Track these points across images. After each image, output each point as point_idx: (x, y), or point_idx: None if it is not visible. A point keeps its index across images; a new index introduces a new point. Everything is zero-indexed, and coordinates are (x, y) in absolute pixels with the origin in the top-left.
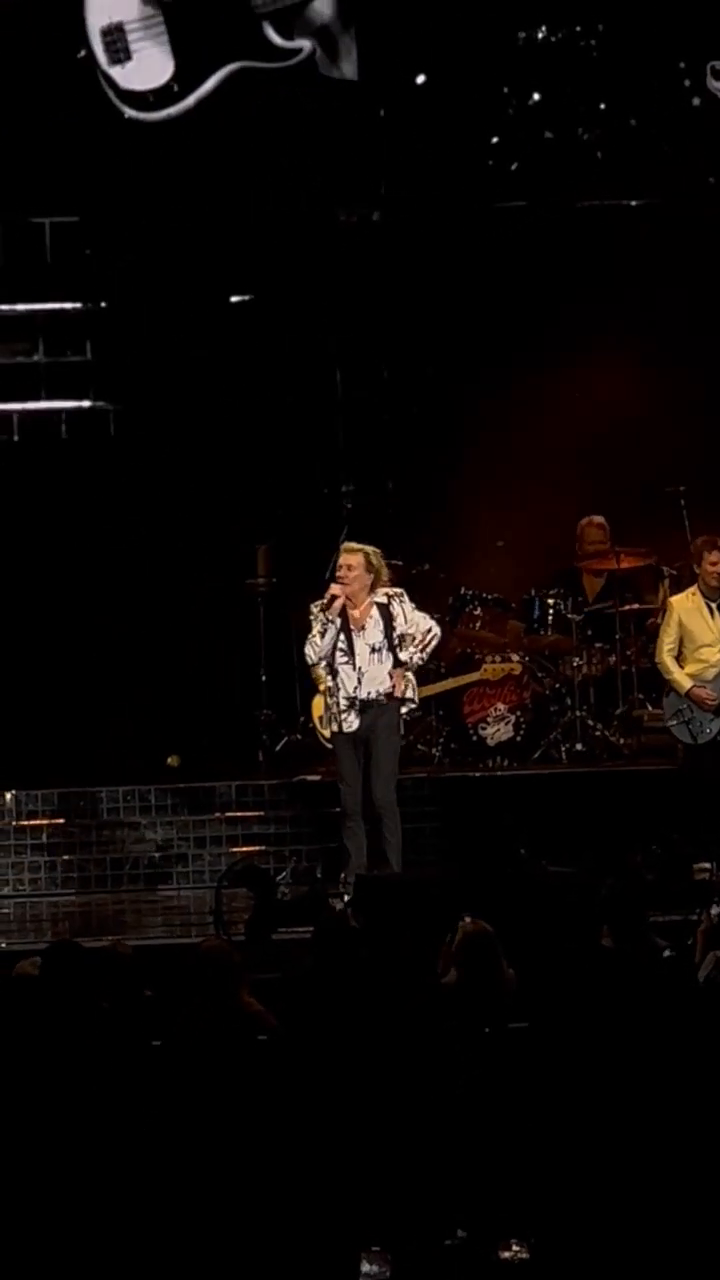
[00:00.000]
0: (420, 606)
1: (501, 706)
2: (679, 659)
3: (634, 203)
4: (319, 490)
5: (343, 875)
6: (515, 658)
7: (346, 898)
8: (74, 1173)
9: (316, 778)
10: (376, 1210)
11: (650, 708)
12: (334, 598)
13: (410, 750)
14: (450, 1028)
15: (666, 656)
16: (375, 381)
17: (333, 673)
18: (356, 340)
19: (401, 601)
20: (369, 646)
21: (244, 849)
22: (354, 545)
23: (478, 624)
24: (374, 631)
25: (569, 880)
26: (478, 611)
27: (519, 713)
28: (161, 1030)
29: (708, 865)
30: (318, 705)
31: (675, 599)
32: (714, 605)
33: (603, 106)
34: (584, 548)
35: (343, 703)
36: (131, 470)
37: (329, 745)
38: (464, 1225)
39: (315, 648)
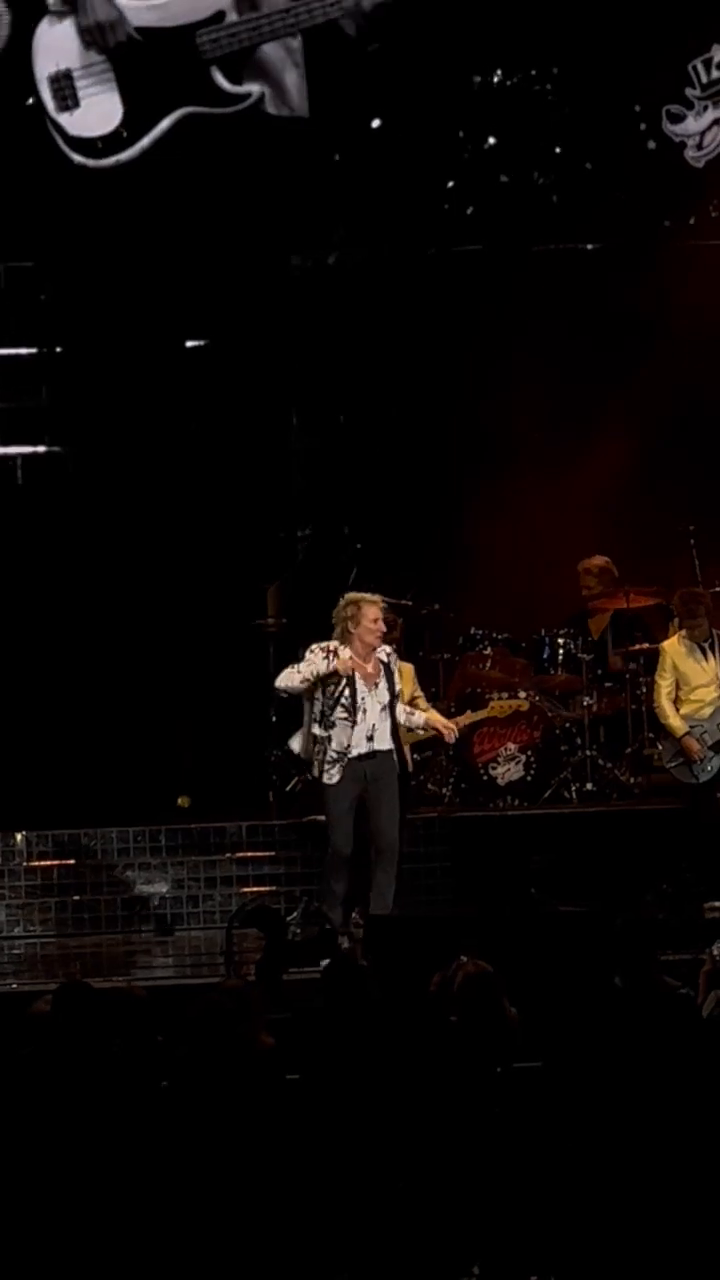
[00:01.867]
0: (431, 645)
1: (512, 746)
2: (675, 700)
3: (590, 246)
4: (274, 534)
5: (354, 915)
6: (523, 694)
7: (356, 937)
8: (85, 1210)
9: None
10: (389, 1250)
11: (660, 746)
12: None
13: (420, 790)
14: (458, 1067)
15: (665, 701)
16: (331, 426)
17: (327, 725)
18: (312, 385)
19: (396, 665)
20: (379, 704)
21: (254, 889)
22: (374, 598)
23: (487, 663)
24: (384, 689)
25: (580, 919)
26: (487, 651)
27: (529, 752)
28: (173, 1071)
29: (718, 904)
30: None
31: (667, 643)
32: (705, 646)
33: (558, 150)
34: (581, 591)
35: (332, 755)
36: (88, 514)
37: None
38: (479, 1264)
39: (291, 684)
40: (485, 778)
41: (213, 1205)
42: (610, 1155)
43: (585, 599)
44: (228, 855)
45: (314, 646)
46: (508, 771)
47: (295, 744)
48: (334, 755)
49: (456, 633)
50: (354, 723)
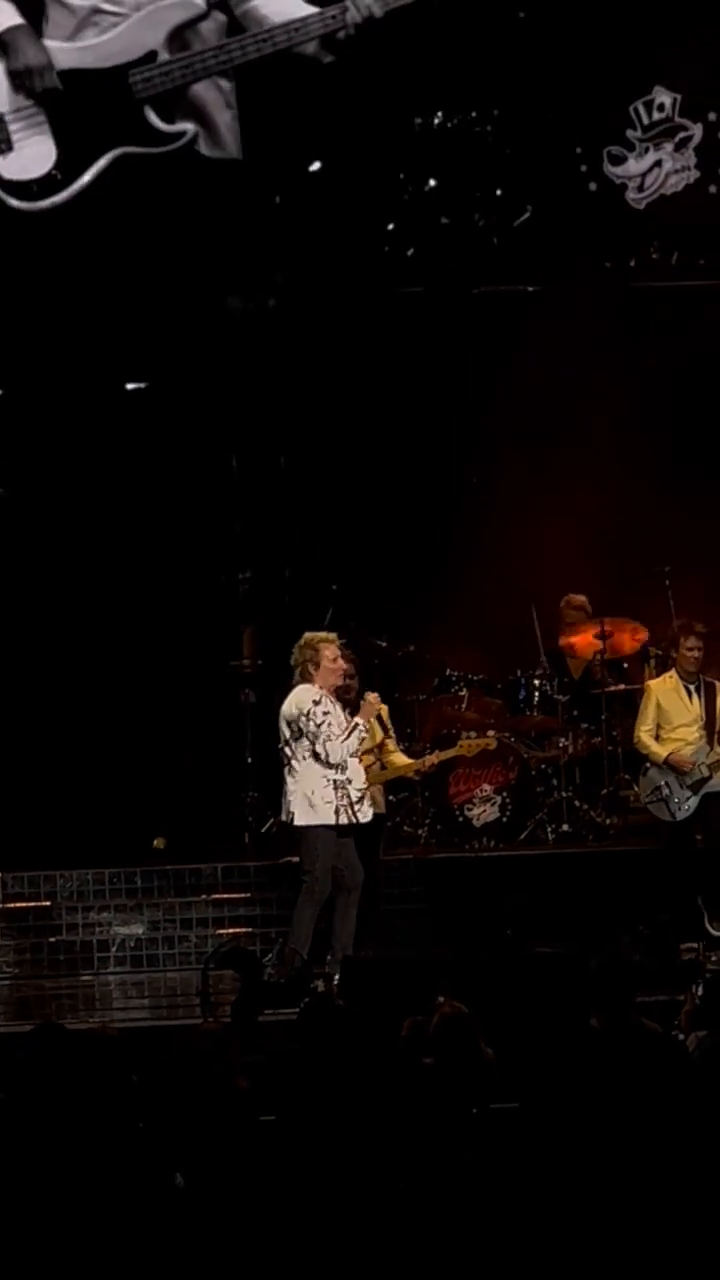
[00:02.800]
0: (406, 686)
1: (488, 787)
2: (657, 739)
3: (531, 288)
4: (216, 577)
5: (329, 957)
6: (491, 734)
7: (334, 979)
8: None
9: None
10: None
11: (636, 788)
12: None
13: (397, 831)
14: (433, 1109)
15: (645, 735)
16: (272, 468)
17: (343, 769)
18: (253, 427)
19: None
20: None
21: (230, 931)
22: (330, 637)
23: (463, 704)
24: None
25: (556, 961)
26: (463, 692)
27: (505, 794)
28: (148, 1113)
29: (694, 945)
30: None
31: (653, 682)
32: (691, 688)
33: (499, 192)
34: (562, 626)
35: (355, 793)
36: (30, 557)
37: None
38: None
39: (348, 749)
40: (461, 819)
41: (187, 1245)
42: (588, 1198)
43: (566, 628)
44: (203, 896)
45: (310, 710)
46: (484, 813)
47: (299, 812)
48: (358, 793)
49: (432, 674)
50: (356, 759)
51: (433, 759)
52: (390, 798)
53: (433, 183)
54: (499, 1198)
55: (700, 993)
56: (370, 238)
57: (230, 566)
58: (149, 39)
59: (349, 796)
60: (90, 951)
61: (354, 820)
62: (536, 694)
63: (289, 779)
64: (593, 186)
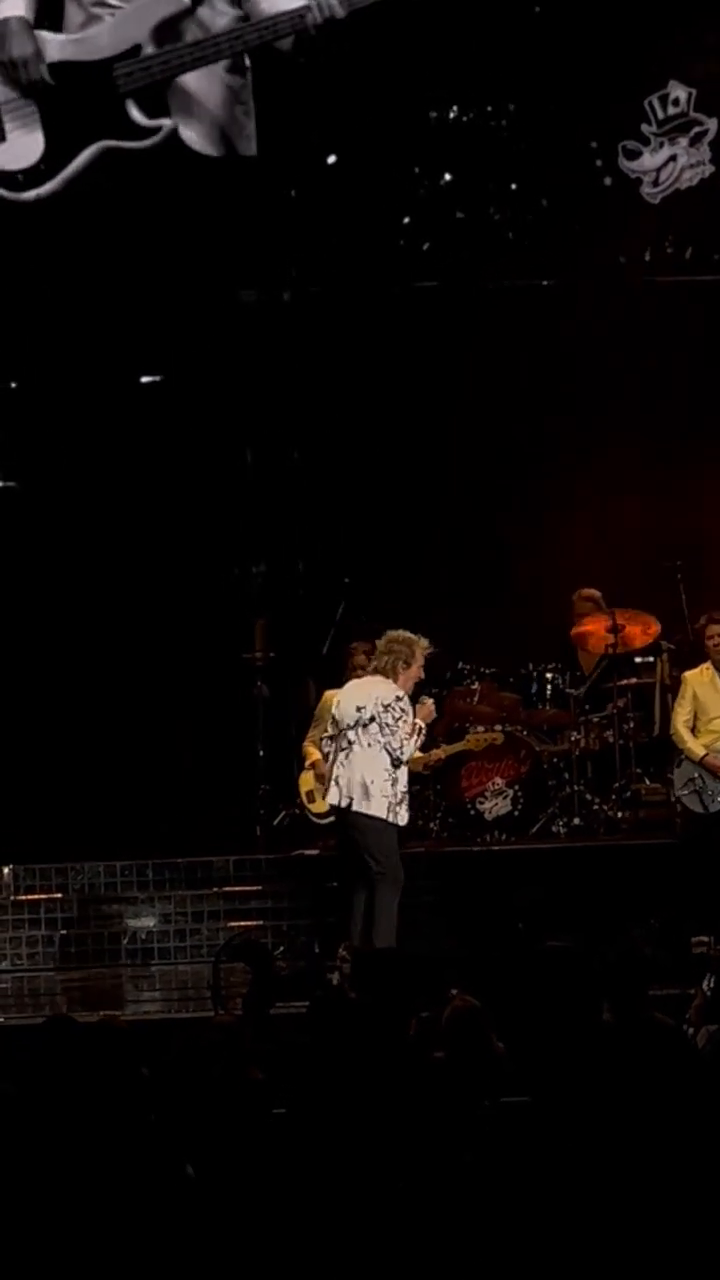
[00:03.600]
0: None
1: (499, 781)
2: (693, 731)
3: (546, 282)
4: (229, 570)
5: (340, 949)
6: (498, 727)
7: (344, 972)
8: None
9: (314, 853)
10: None
11: (648, 781)
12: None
13: (409, 825)
14: (444, 1102)
15: (682, 728)
16: (286, 462)
17: (398, 764)
18: (267, 421)
19: None
20: None
21: (241, 924)
22: (426, 644)
23: (475, 698)
24: None
25: (568, 955)
26: (475, 685)
27: (516, 787)
28: (160, 1106)
29: (706, 939)
30: (305, 781)
31: (689, 674)
32: None
33: (514, 186)
34: (575, 620)
35: (400, 793)
36: (44, 549)
37: (319, 821)
38: None
39: (409, 751)
40: (473, 812)
41: (200, 1238)
42: (602, 1188)
43: (577, 621)
44: (215, 889)
45: (392, 704)
46: (495, 806)
47: (357, 797)
48: (402, 794)
49: (444, 668)
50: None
51: (439, 753)
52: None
53: (448, 177)
54: (509, 1191)
55: (711, 986)
56: (385, 232)
57: (243, 559)
58: (135, 33)
59: (397, 795)
60: (102, 944)
61: (398, 821)
62: (549, 687)
63: (344, 763)
64: (608, 181)
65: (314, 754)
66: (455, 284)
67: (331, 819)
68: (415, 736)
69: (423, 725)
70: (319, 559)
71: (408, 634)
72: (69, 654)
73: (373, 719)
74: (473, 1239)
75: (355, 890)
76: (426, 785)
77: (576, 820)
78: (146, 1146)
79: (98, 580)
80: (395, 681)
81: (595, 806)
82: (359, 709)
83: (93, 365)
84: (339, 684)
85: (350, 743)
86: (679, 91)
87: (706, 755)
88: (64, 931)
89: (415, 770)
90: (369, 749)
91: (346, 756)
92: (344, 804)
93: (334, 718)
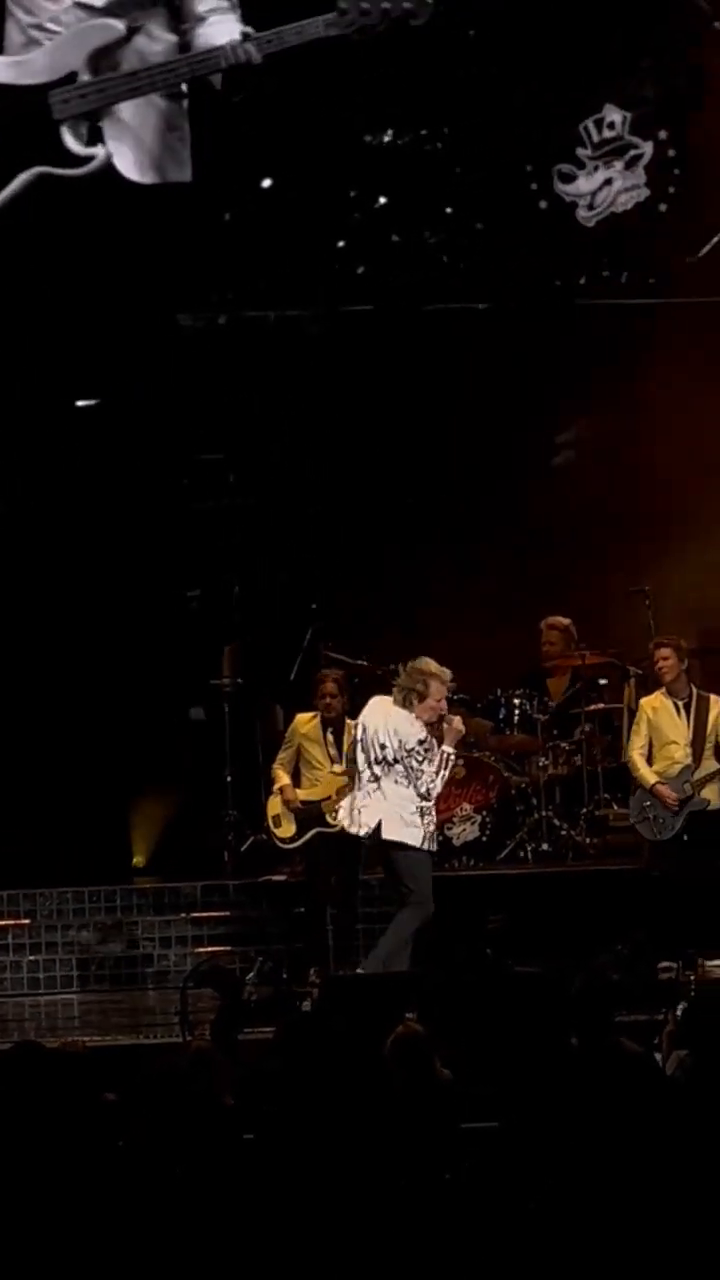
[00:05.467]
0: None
1: (467, 806)
2: (648, 758)
3: (481, 306)
4: (170, 594)
5: (310, 973)
6: (461, 762)
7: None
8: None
9: (282, 878)
10: None
11: (616, 807)
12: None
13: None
14: (394, 1128)
15: (636, 755)
16: (222, 485)
17: (430, 796)
18: (203, 444)
19: None
20: None
21: (210, 949)
22: (446, 677)
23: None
24: None
25: (536, 980)
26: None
27: (485, 813)
28: (127, 1132)
29: (672, 965)
30: (273, 806)
31: (645, 700)
32: (680, 704)
33: (449, 210)
34: (541, 648)
35: (433, 823)
36: None
37: (286, 847)
38: None
39: (439, 785)
40: (441, 838)
41: (168, 1264)
42: (570, 1213)
43: (545, 655)
44: (183, 915)
45: (414, 748)
46: (464, 832)
47: (392, 828)
48: (431, 824)
49: None
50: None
51: None
52: None
53: (383, 200)
54: (478, 1217)
55: (680, 1013)
56: (320, 255)
57: (209, 584)
58: (71, 59)
59: (432, 824)
60: (70, 970)
61: (432, 848)
62: (516, 713)
63: (372, 796)
64: (543, 204)
65: (283, 778)
66: (391, 307)
67: (298, 844)
68: (445, 768)
69: (451, 753)
70: (286, 583)
71: (429, 665)
72: (32, 680)
73: (397, 760)
74: (443, 1262)
75: (324, 915)
76: None
77: (544, 846)
78: (112, 1173)
79: (61, 606)
80: (413, 713)
81: (563, 832)
82: (382, 747)
83: (29, 390)
84: (307, 709)
85: (377, 778)
86: (614, 115)
87: (656, 784)
88: (32, 957)
89: None
90: (396, 785)
91: (371, 792)
92: (365, 834)
93: (359, 742)
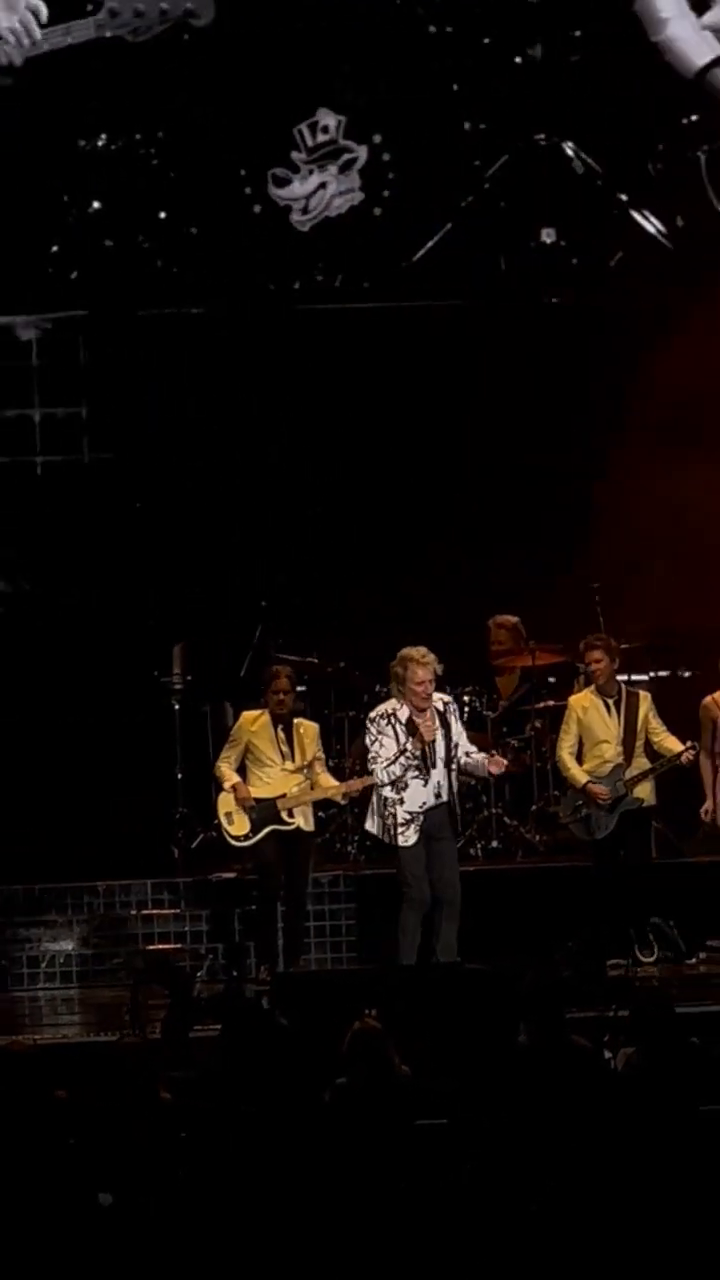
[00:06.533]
0: (336, 703)
1: None
2: (579, 757)
3: (195, 310)
4: (146, 594)
5: (260, 970)
6: None
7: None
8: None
9: (232, 875)
10: None
11: (560, 803)
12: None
13: (328, 848)
14: (351, 1124)
15: (565, 755)
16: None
17: (400, 787)
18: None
19: (456, 713)
20: (442, 757)
21: (160, 946)
22: (427, 660)
23: None
24: (443, 741)
25: (486, 977)
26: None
27: None
28: (78, 1130)
29: (621, 962)
30: (224, 803)
31: (574, 699)
32: (610, 703)
33: (163, 215)
34: (489, 647)
35: (403, 816)
36: None
37: (238, 844)
38: None
39: (390, 774)
40: (369, 841)
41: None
42: (520, 1208)
43: (494, 654)
44: (133, 912)
45: (374, 716)
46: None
47: (371, 824)
48: (406, 816)
49: (362, 691)
50: (426, 780)
51: (357, 784)
52: (320, 814)
53: (96, 205)
54: (432, 1212)
55: (628, 1010)
56: (33, 260)
57: (161, 583)
58: None
59: (394, 817)
60: (20, 967)
61: (392, 842)
62: (466, 711)
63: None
64: (257, 209)
65: (231, 776)
66: (105, 312)
67: (254, 841)
68: (397, 761)
69: (409, 748)
70: (236, 581)
71: (409, 650)
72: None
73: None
74: (393, 1259)
75: (274, 912)
76: (344, 809)
77: (494, 843)
78: (60, 1171)
79: (12, 604)
80: (400, 700)
81: (513, 829)
82: None
83: None
84: (257, 706)
85: None
86: (328, 119)
87: (588, 783)
88: None
89: (334, 799)
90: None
91: None
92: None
93: None
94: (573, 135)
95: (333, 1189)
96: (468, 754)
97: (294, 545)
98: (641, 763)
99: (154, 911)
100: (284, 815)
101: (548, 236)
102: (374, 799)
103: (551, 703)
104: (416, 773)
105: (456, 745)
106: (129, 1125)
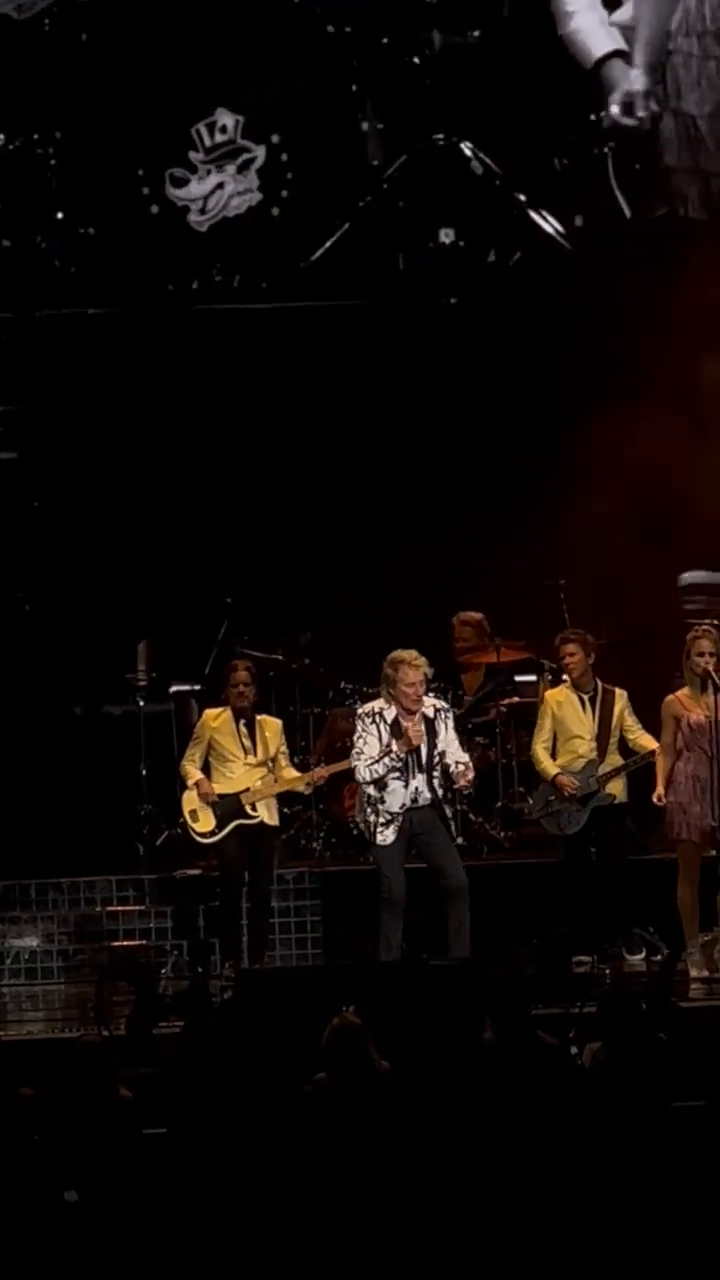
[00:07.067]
0: (301, 700)
1: None
2: (553, 752)
3: (92, 311)
4: (112, 590)
5: (225, 966)
6: None
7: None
8: None
9: (197, 872)
10: None
11: (530, 800)
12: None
13: (293, 844)
14: (329, 1120)
15: (539, 749)
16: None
17: (381, 786)
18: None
19: (447, 720)
20: (425, 761)
21: (124, 943)
22: (418, 662)
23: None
24: (428, 746)
25: (452, 973)
26: (358, 706)
27: None
28: (43, 1126)
29: (587, 959)
30: (189, 800)
31: (550, 693)
32: (585, 698)
33: (60, 215)
34: (454, 644)
35: (383, 816)
36: None
37: (203, 841)
38: None
39: (373, 773)
40: (355, 831)
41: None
42: (487, 1204)
43: (458, 651)
44: (98, 909)
45: (361, 713)
46: None
47: (361, 823)
48: (387, 817)
49: (326, 687)
50: (406, 782)
51: (322, 772)
52: (284, 810)
53: None
54: (400, 1207)
55: (595, 1006)
56: None
57: (126, 579)
58: None
59: (376, 814)
60: None
61: (371, 839)
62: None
63: None
64: (155, 209)
65: (195, 774)
66: (4, 313)
67: (219, 837)
68: (380, 760)
69: (393, 749)
70: (201, 579)
71: (399, 653)
72: None
73: None
74: (353, 1254)
75: (239, 909)
76: (309, 805)
77: (459, 839)
78: (24, 1167)
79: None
80: (389, 701)
81: (478, 826)
82: None
83: None
84: (220, 704)
85: None
86: (226, 119)
87: (558, 774)
88: None
89: (297, 790)
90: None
91: None
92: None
93: None
94: (471, 135)
95: (313, 1185)
96: (456, 763)
97: (260, 543)
98: (615, 759)
99: (119, 908)
100: (248, 809)
101: (446, 237)
102: (360, 793)
103: (516, 699)
104: (398, 775)
105: (443, 753)
106: (90, 1122)
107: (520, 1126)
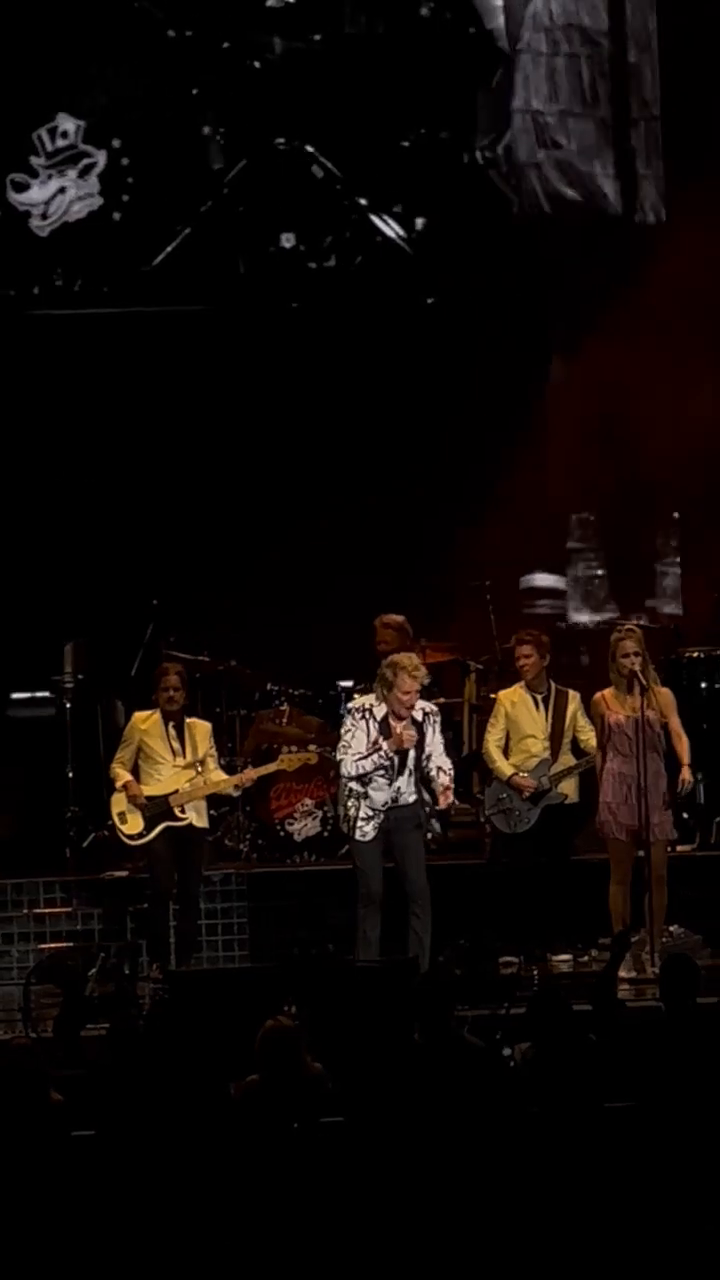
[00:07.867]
0: (227, 702)
1: (309, 802)
2: (505, 751)
3: None
4: (37, 591)
5: (152, 968)
6: (313, 748)
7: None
8: None
9: (124, 874)
10: None
11: (457, 802)
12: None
13: (219, 846)
14: (257, 1123)
15: (493, 748)
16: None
17: (364, 782)
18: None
19: (435, 724)
20: (411, 762)
21: (52, 945)
22: (417, 671)
23: (283, 720)
24: (412, 750)
25: (378, 974)
26: (283, 707)
27: (326, 808)
28: None
29: (514, 960)
30: (117, 803)
31: (503, 693)
32: (539, 698)
33: None
34: (376, 647)
35: (365, 813)
36: None
37: (131, 843)
38: None
39: (359, 768)
40: (282, 834)
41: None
42: (416, 1205)
43: (381, 653)
44: (25, 911)
45: (351, 709)
46: (304, 827)
47: (342, 821)
48: (368, 813)
49: (252, 689)
50: (390, 781)
51: (251, 774)
52: (212, 812)
53: None
54: (329, 1210)
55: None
56: None
57: (51, 580)
58: None
59: (358, 810)
60: None
61: (350, 834)
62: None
63: None
64: None
65: (124, 775)
66: None
67: (148, 839)
68: (368, 757)
69: (383, 748)
70: (126, 580)
71: (399, 658)
72: None
73: None
74: (285, 1258)
75: (166, 910)
76: (236, 807)
77: (436, 830)
78: None
79: None
80: (380, 700)
81: None
82: None
83: None
84: (148, 705)
85: None
86: (68, 124)
87: (514, 775)
88: None
89: (225, 792)
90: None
91: None
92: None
93: None
94: (312, 139)
95: (243, 1187)
96: (439, 769)
97: (185, 544)
98: (567, 759)
99: (46, 910)
100: (176, 811)
101: (287, 241)
102: (339, 788)
103: (442, 700)
104: (383, 773)
105: (429, 757)
106: (20, 1125)
107: (447, 1128)
